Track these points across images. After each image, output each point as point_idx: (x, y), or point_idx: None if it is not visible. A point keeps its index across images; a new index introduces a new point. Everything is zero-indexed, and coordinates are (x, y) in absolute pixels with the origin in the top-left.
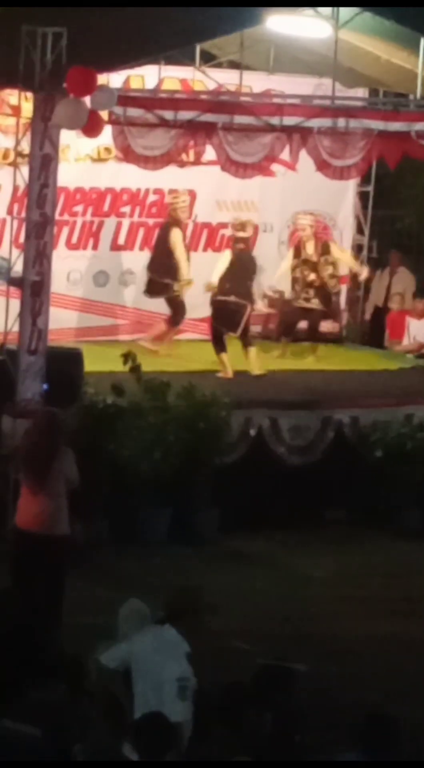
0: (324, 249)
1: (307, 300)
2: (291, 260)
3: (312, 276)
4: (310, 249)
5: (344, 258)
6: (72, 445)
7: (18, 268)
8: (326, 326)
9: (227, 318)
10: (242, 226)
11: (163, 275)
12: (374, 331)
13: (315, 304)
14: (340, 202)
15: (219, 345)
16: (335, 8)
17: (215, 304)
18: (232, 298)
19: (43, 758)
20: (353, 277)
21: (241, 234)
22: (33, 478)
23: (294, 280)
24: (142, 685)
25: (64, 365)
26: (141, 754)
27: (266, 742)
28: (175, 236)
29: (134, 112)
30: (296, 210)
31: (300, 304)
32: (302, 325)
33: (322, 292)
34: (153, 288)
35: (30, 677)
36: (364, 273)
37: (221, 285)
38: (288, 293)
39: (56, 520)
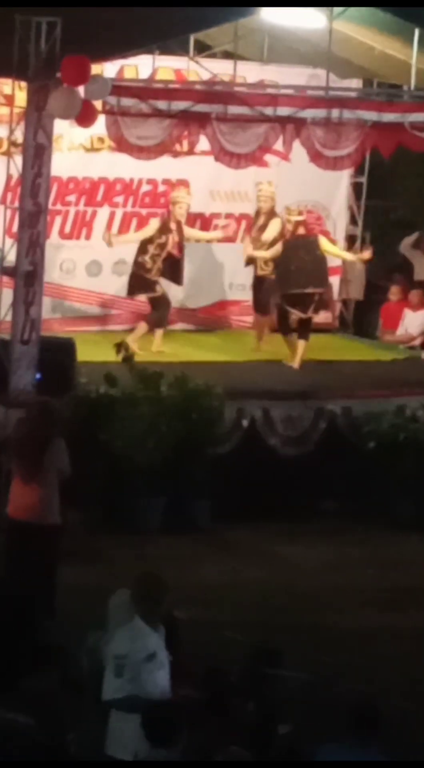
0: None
1: None
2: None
3: None
4: None
5: (335, 252)
6: (65, 435)
7: (11, 257)
8: (319, 316)
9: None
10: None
11: None
12: (360, 321)
13: None
14: (333, 193)
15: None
16: None
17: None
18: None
19: (37, 747)
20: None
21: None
22: (25, 467)
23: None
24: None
25: (57, 355)
26: (151, 743)
27: (249, 731)
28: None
29: (128, 101)
30: (289, 200)
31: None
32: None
33: None
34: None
35: (23, 666)
36: (366, 255)
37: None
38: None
39: (48, 510)
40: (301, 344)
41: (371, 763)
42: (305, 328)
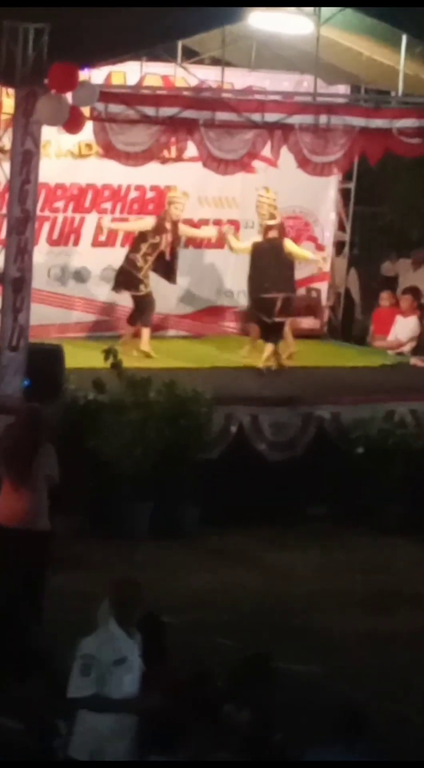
0: None
1: None
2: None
3: None
4: None
5: (298, 253)
6: (53, 441)
7: None
8: (308, 322)
9: None
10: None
11: None
12: (349, 327)
13: None
14: (321, 199)
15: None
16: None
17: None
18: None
19: (26, 752)
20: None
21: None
22: (14, 474)
23: None
24: None
25: (45, 361)
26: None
27: (243, 738)
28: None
29: (116, 108)
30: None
31: None
32: None
33: None
34: None
35: (12, 672)
36: (321, 262)
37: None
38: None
39: (37, 516)
40: (267, 347)
41: (357, 763)
42: (271, 332)
